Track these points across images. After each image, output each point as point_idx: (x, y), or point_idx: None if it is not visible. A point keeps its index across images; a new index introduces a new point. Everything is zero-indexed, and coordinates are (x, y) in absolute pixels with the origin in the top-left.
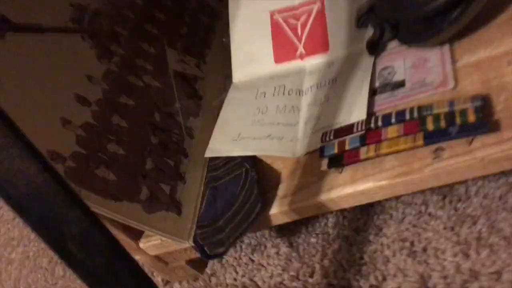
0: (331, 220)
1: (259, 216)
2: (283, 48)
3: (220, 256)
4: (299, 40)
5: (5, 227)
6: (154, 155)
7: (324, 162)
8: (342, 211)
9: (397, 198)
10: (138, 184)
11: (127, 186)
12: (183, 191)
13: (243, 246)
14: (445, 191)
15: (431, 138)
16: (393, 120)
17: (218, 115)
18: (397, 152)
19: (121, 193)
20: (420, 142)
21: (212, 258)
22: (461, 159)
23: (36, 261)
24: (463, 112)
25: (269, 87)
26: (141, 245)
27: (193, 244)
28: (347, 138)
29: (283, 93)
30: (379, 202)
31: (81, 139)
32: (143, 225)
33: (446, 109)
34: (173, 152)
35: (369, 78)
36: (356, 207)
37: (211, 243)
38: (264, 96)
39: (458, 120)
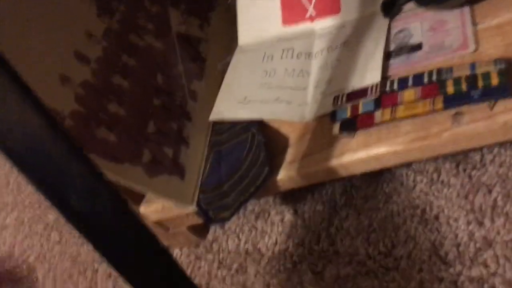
0: (339, 188)
1: (266, 181)
2: (292, 10)
3: (224, 221)
4: (309, 0)
5: None
6: (156, 118)
7: (336, 126)
8: (350, 179)
9: (408, 165)
10: (140, 146)
11: (129, 148)
12: (187, 155)
13: (246, 213)
14: (459, 158)
15: (451, 101)
16: (410, 83)
17: (222, 78)
18: (415, 116)
19: (123, 155)
20: (440, 105)
21: (216, 223)
22: (481, 124)
23: (31, 226)
24: (486, 75)
25: (277, 50)
26: (142, 210)
27: (196, 209)
28: (361, 101)
29: (292, 56)
30: (389, 170)
31: (81, 97)
32: (145, 188)
33: (467, 72)
34: (176, 115)
35: (383, 41)
36: (364, 175)
37: (215, 208)
38: (272, 59)
39: (480, 83)
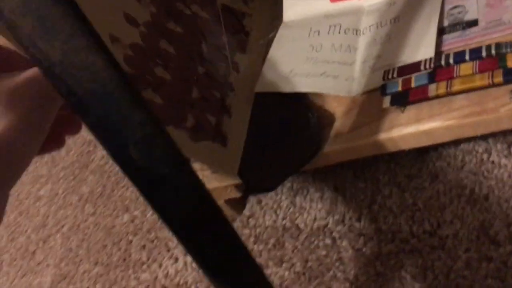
0: (382, 166)
1: (314, 155)
2: None
3: (266, 191)
4: None
5: (34, 165)
6: (200, 85)
7: (387, 99)
8: (394, 157)
9: (455, 145)
10: (184, 111)
11: (174, 111)
12: (229, 124)
13: (284, 190)
14: (511, 139)
15: None
16: (467, 57)
17: (265, 53)
18: (472, 89)
19: (168, 118)
20: (499, 79)
21: (257, 193)
22: None
23: (65, 198)
24: None
25: (323, 26)
26: None
27: (237, 178)
28: (413, 75)
29: (339, 32)
30: (435, 149)
31: (129, 58)
32: (189, 152)
33: None
34: (219, 85)
35: (437, 16)
36: (409, 154)
37: (257, 178)
38: (318, 35)
39: None
